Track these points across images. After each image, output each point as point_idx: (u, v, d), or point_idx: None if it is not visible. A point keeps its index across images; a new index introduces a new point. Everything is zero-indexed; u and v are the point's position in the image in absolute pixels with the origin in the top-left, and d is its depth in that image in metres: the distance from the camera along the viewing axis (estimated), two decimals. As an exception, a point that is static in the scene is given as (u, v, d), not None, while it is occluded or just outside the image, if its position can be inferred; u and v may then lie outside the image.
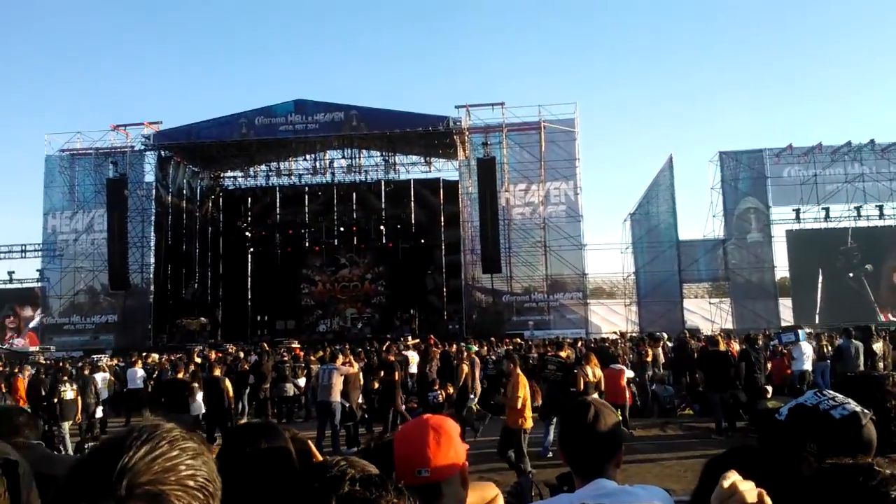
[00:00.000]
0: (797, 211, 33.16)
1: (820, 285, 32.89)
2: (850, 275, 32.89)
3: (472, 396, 15.18)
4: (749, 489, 1.42)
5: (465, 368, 15.39)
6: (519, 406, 10.34)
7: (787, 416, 2.41)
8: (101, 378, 17.15)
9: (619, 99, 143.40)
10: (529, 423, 10.40)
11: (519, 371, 11.01)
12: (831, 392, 2.31)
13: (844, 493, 1.46)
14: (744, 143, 40.50)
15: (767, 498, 1.43)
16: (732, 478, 1.43)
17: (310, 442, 2.20)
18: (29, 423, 3.12)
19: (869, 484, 1.45)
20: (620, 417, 13.23)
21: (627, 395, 13.98)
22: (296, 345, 26.27)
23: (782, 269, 33.84)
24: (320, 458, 2.03)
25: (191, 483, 0.92)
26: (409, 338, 24.70)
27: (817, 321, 30.88)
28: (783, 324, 30.13)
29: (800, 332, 16.75)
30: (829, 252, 33.09)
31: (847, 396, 2.25)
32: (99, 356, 25.05)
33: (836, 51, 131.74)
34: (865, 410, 2.21)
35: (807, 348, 16.08)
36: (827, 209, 33.12)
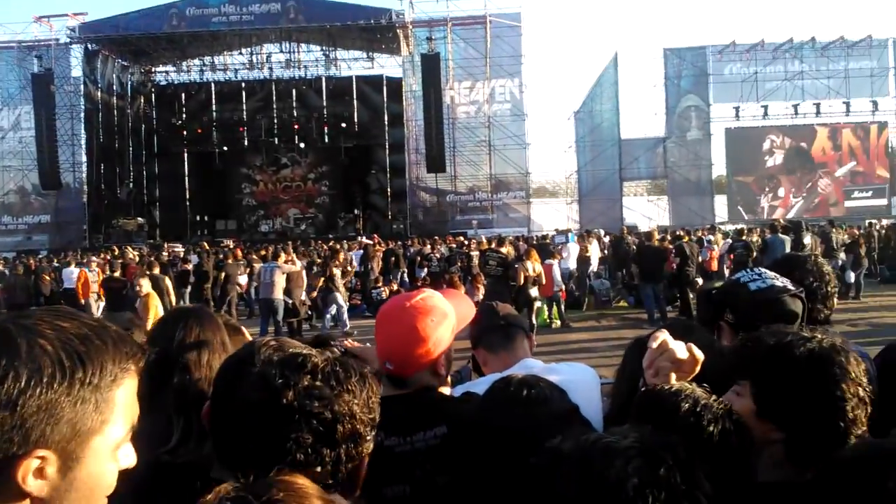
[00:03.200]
0: (737, 109, 33.42)
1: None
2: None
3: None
4: (679, 346, 1.44)
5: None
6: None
7: (718, 290, 2.51)
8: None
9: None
10: None
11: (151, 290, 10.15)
12: (767, 271, 2.38)
13: (763, 353, 1.52)
14: (689, 41, 40.22)
15: (696, 349, 1.45)
16: (662, 337, 1.45)
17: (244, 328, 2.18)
18: None
19: (782, 341, 1.51)
20: (547, 309, 13.86)
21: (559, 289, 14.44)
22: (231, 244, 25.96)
23: (720, 167, 34.53)
24: (250, 338, 2.02)
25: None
26: (362, 239, 24.54)
27: (749, 218, 31.95)
28: (717, 220, 31.05)
29: (569, 234, 18.62)
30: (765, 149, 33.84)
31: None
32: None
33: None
34: (790, 286, 2.28)
35: (574, 249, 17.57)
36: (766, 107, 33.38)
